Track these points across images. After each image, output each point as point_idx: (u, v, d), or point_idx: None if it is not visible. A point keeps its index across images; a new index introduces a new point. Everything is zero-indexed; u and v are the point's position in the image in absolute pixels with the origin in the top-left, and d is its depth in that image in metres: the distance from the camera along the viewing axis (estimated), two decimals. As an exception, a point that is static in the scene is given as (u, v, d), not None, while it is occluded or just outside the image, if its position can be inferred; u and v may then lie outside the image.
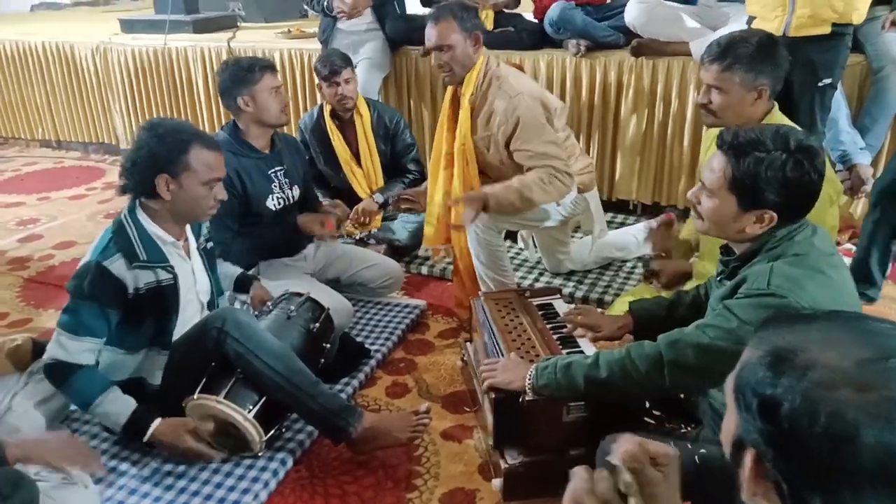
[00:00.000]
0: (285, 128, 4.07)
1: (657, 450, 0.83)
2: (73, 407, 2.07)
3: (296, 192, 2.55)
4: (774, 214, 1.35)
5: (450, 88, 2.57)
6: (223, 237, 2.34)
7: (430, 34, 2.42)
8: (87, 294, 1.75)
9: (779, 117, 1.91)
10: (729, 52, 1.85)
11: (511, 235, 3.14)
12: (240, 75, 2.34)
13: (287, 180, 2.51)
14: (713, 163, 1.40)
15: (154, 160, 1.77)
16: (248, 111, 2.37)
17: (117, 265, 1.76)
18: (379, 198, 3.11)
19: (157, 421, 1.81)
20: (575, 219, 2.79)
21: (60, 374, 1.80)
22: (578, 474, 0.80)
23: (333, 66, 2.98)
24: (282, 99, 2.41)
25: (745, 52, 1.84)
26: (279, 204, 2.49)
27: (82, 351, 1.78)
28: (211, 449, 1.82)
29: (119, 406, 1.80)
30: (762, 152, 1.32)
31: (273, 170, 2.47)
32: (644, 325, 1.82)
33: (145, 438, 1.80)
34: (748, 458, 0.67)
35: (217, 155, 1.85)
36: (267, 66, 2.39)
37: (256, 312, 2.17)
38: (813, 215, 1.72)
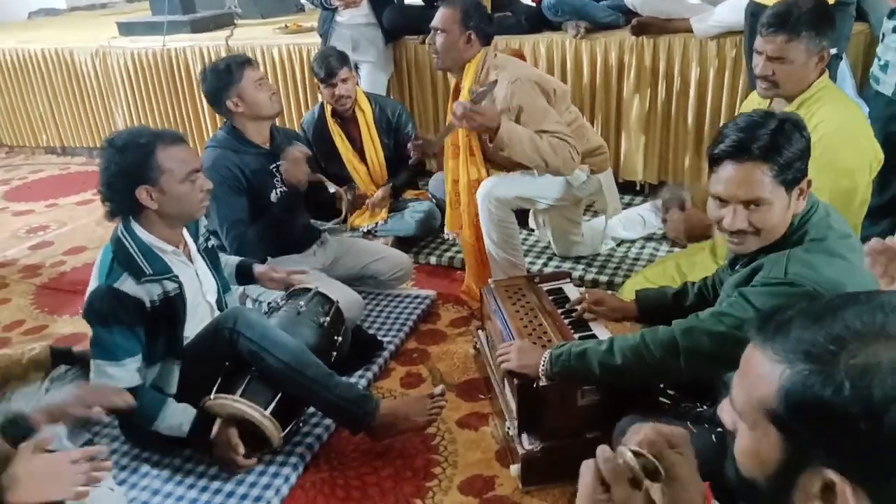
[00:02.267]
0: (285, 121, 4.09)
1: (671, 433, 0.84)
2: (92, 411, 2.09)
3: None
4: (808, 178, 1.35)
5: (452, 82, 2.58)
6: (238, 231, 2.35)
7: (437, 14, 2.49)
8: (109, 319, 1.74)
9: (826, 82, 1.90)
10: (790, 20, 1.81)
11: (522, 222, 3.14)
12: (221, 79, 2.33)
13: None
14: (746, 176, 1.32)
15: (126, 175, 1.73)
16: (240, 111, 2.36)
17: (128, 284, 1.74)
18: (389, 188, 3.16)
19: (219, 421, 1.83)
20: (588, 199, 2.79)
21: None
22: (603, 451, 0.79)
23: (330, 67, 2.98)
24: (268, 88, 2.41)
25: (807, 18, 1.80)
26: (283, 197, 2.48)
27: (128, 374, 1.77)
28: (246, 460, 1.85)
29: (180, 416, 1.83)
30: (779, 136, 1.30)
31: (274, 164, 2.47)
32: (648, 314, 1.82)
33: (212, 436, 1.82)
34: (823, 480, 0.61)
35: (184, 147, 1.82)
36: (244, 61, 2.37)
37: (266, 310, 2.18)
38: (847, 188, 1.70)
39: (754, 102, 2.12)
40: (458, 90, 2.56)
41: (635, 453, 0.79)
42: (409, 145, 2.66)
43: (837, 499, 0.61)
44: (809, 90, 1.87)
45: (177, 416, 1.83)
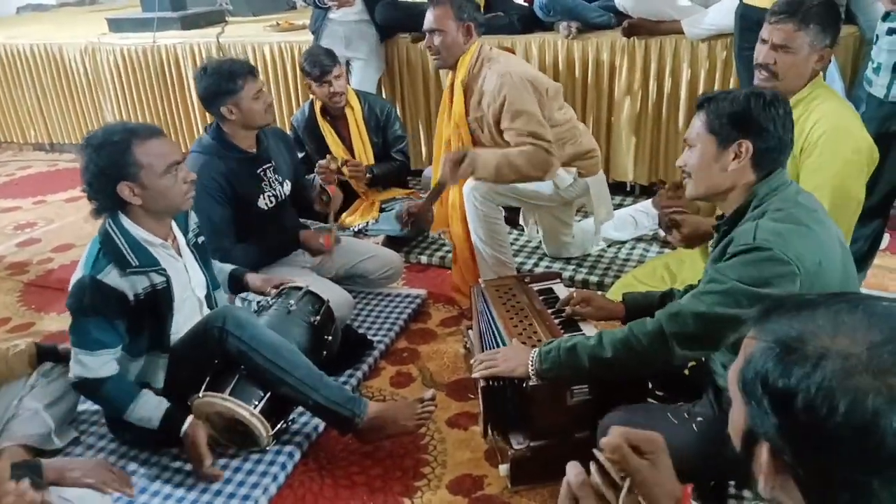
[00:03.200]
0: (276, 119, 4.08)
1: (639, 438, 0.85)
2: (80, 408, 2.08)
3: (286, 187, 2.52)
4: (750, 144, 1.40)
5: (449, 76, 2.59)
6: (221, 242, 2.31)
7: (428, 16, 2.49)
8: (89, 310, 1.74)
9: (821, 82, 1.91)
10: (801, 9, 1.83)
11: (512, 221, 3.15)
12: (221, 85, 2.29)
13: (277, 176, 2.48)
14: (693, 122, 1.50)
15: (104, 174, 1.73)
16: (232, 118, 2.33)
17: (112, 276, 1.74)
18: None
19: (190, 418, 1.83)
20: (578, 200, 2.80)
21: (89, 390, 1.82)
22: (573, 467, 0.81)
23: (323, 66, 2.98)
24: (265, 100, 2.37)
25: (818, 11, 1.83)
26: (271, 202, 2.46)
27: (102, 364, 1.78)
28: (212, 466, 1.85)
29: (151, 408, 1.83)
30: (727, 94, 1.46)
31: (261, 168, 2.44)
32: (635, 316, 1.83)
33: (181, 433, 1.82)
34: (763, 453, 0.65)
35: (162, 140, 1.80)
36: (247, 71, 2.33)
37: (256, 309, 2.17)
38: (841, 185, 1.75)
39: None
40: (453, 85, 2.56)
41: (601, 466, 0.81)
42: (402, 218, 2.70)
43: (765, 470, 0.65)
44: (805, 90, 1.89)
45: (148, 409, 1.82)
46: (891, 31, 2.23)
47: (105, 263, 1.74)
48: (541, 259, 2.99)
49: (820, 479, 0.61)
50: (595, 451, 0.84)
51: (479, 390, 1.73)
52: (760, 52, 1.91)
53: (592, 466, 0.83)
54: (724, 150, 1.43)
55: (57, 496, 1.48)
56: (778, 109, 1.41)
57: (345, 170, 3.05)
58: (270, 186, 2.46)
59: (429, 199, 2.56)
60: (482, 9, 3.57)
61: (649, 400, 1.66)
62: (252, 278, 2.22)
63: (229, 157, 2.38)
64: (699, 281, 1.76)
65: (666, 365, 1.55)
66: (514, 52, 3.41)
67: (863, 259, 2.36)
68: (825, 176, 1.77)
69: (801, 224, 1.36)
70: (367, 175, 3.12)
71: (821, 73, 1.92)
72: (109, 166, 1.73)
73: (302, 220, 2.74)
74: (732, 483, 1.64)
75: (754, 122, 1.40)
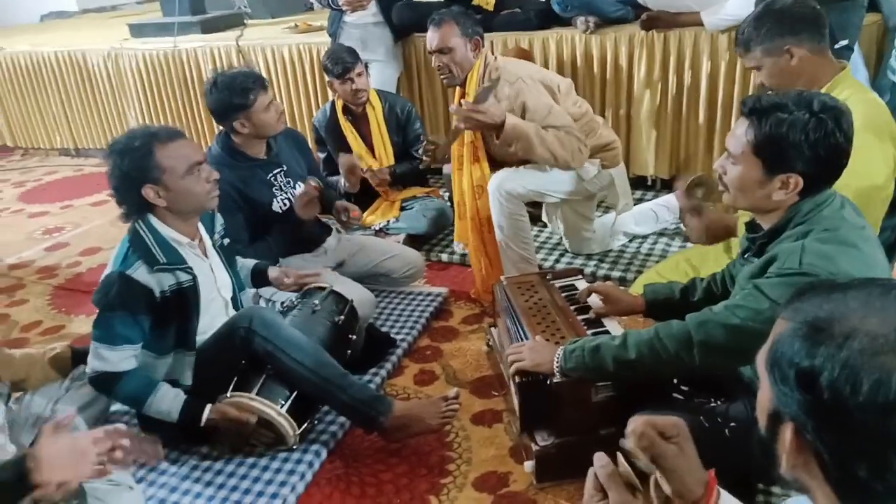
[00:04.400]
0: (296, 121, 4.11)
1: (665, 423, 0.85)
2: (112, 409, 2.12)
3: (300, 188, 2.52)
4: (800, 179, 1.32)
5: (457, 90, 2.59)
6: (236, 248, 2.30)
7: (433, 37, 2.48)
8: (115, 305, 1.78)
9: (848, 78, 1.87)
10: (741, 39, 1.89)
11: (534, 217, 3.15)
12: (233, 101, 2.28)
13: (288, 180, 2.49)
14: (737, 129, 1.38)
15: (129, 178, 1.77)
16: (245, 131, 2.35)
17: (140, 272, 1.78)
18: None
19: (209, 406, 1.85)
20: (601, 194, 2.79)
21: (106, 384, 1.85)
22: (599, 458, 0.82)
23: (345, 63, 3.01)
24: (276, 109, 2.37)
25: (752, 31, 1.85)
26: (285, 205, 2.47)
27: (122, 359, 1.81)
28: (256, 438, 1.87)
29: (170, 402, 1.85)
30: (784, 113, 1.30)
31: (272, 173, 2.45)
32: (655, 309, 1.82)
33: (202, 422, 1.84)
34: (787, 431, 0.66)
35: (182, 142, 1.83)
36: (259, 85, 2.32)
37: (282, 309, 2.19)
38: (871, 185, 1.69)
39: None
40: (463, 97, 2.56)
41: (628, 453, 0.82)
42: (421, 150, 2.67)
43: (788, 448, 0.66)
44: (827, 86, 1.85)
45: (165, 403, 1.84)
46: None
47: (134, 260, 1.79)
48: (562, 255, 2.99)
49: (840, 457, 0.63)
50: (622, 440, 0.85)
51: (515, 385, 1.73)
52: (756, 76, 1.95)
53: (620, 457, 0.84)
54: (770, 177, 1.34)
55: (90, 496, 1.51)
56: (839, 136, 1.28)
57: (369, 178, 3.08)
58: (282, 190, 2.47)
59: (450, 139, 2.52)
60: (493, 6, 3.59)
61: (674, 395, 1.65)
62: (273, 270, 2.24)
63: (239, 166, 2.39)
64: (722, 272, 1.76)
65: (689, 371, 1.55)
66: (530, 53, 3.41)
67: (890, 249, 2.33)
68: (848, 177, 1.75)
69: (850, 245, 1.30)
70: (390, 181, 3.15)
71: (848, 66, 1.89)
72: (133, 170, 1.77)
73: (322, 218, 2.76)
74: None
75: (811, 153, 1.29)
